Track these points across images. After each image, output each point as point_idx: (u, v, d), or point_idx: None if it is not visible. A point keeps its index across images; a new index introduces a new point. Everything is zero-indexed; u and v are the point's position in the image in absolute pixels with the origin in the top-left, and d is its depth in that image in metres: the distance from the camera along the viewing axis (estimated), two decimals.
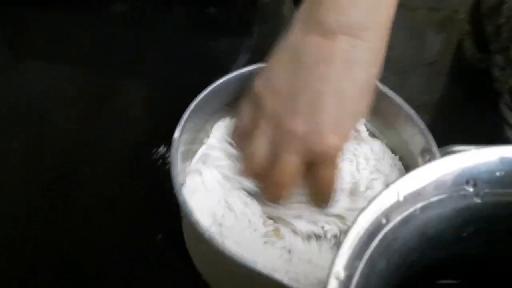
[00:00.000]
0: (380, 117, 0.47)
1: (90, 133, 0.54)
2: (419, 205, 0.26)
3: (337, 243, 0.42)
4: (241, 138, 0.43)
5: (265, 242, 0.41)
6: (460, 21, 0.67)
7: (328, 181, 0.40)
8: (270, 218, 0.43)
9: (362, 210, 0.24)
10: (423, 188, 0.26)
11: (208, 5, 0.65)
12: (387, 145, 0.48)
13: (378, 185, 0.44)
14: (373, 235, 0.24)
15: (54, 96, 0.57)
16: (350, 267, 0.23)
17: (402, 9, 0.61)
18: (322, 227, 0.42)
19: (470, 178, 0.26)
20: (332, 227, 0.42)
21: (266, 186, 0.41)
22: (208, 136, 0.46)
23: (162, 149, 0.51)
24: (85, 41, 0.63)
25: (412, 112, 0.44)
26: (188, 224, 0.40)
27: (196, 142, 0.45)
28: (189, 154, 0.44)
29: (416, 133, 0.44)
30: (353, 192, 0.44)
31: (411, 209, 0.25)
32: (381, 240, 0.24)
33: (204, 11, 0.66)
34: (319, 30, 0.38)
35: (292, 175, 0.40)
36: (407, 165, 0.46)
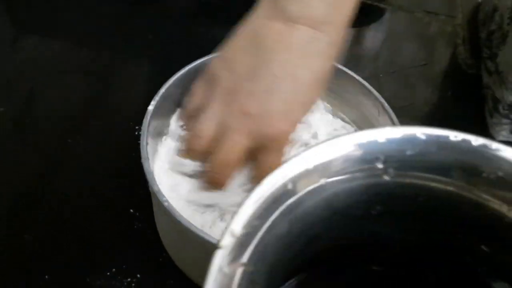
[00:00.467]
0: (338, 94, 0.48)
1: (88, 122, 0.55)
2: (327, 176, 0.25)
3: None
4: (190, 119, 0.43)
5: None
6: (457, 26, 0.68)
7: (273, 168, 0.41)
8: (210, 206, 0.42)
9: (270, 174, 0.24)
10: (334, 160, 0.25)
11: None
12: (349, 121, 0.48)
13: None
14: (278, 199, 0.23)
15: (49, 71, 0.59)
16: (249, 226, 0.22)
17: (400, 11, 0.62)
18: None
19: (380, 155, 0.25)
20: None
21: (209, 166, 0.41)
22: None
23: None
24: (91, 20, 0.65)
25: (366, 84, 0.45)
26: (156, 201, 0.40)
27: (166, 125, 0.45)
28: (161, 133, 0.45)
29: (372, 105, 0.45)
30: None
31: (320, 180, 0.25)
32: (286, 205, 0.24)
33: None
34: (282, 18, 0.39)
35: (238, 156, 0.39)
36: None
